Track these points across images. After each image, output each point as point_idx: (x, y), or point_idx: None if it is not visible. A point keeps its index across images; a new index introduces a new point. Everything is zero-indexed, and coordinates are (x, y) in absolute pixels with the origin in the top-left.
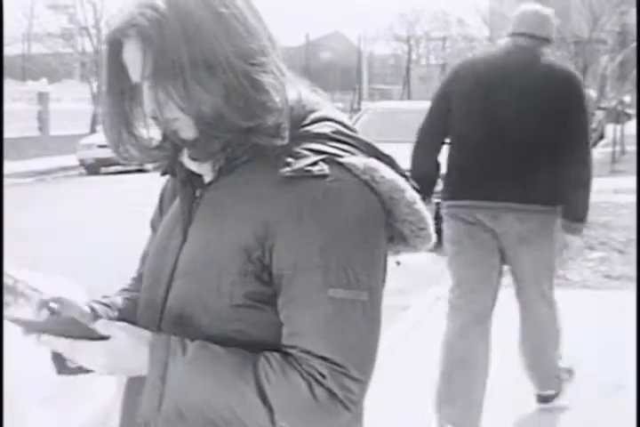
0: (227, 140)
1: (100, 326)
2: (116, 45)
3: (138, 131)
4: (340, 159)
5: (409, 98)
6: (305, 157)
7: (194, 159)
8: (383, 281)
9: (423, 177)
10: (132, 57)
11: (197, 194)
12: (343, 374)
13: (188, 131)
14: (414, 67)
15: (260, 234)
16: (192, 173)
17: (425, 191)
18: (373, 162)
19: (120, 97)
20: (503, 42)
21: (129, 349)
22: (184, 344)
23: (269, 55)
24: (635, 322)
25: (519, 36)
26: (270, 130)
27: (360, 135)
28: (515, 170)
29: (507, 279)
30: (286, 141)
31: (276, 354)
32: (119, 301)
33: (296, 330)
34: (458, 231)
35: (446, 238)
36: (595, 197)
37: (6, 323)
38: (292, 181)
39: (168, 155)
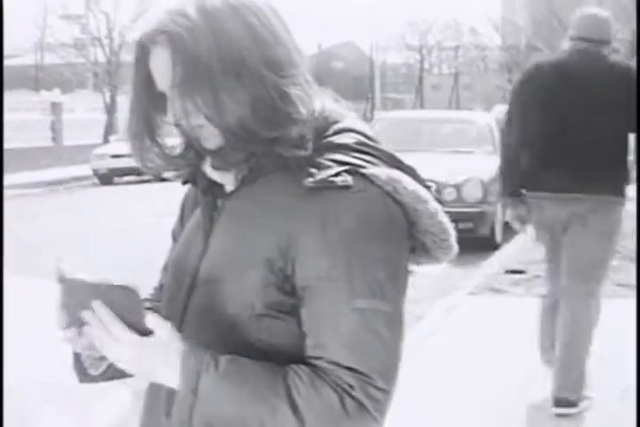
0: (250, 150)
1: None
2: (143, 52)
3: (161, 139)
4: (363, 170)
5: (421, 107)
6: (328, 167)
7: (216, 168)
8: (405, 292)
9: (512, 173)
10: (161, 64)
11: (219, 203)
12: (370, 385)
13: (212, 139)
14: (426, 76)
15: (282, 245)
16: (213, 182)
17: (515, 187)
18: (396, 173)
19: (145, 104)
20: (566, 45)
21: (158, 351)
22: (216, 358)
23: (298, 67)
24: None
25: (580, 40)
26: (294, 141)
27: (382, 146)
28: (584, 163)
29: (521, 287)
30: (309, 152)
31: (303, 367)
32: None
33: (321, 341)
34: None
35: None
36: None
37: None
38: (315, 192)
39: (190, 163)
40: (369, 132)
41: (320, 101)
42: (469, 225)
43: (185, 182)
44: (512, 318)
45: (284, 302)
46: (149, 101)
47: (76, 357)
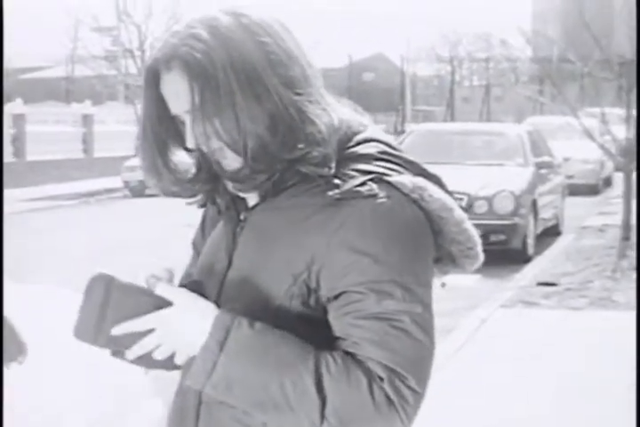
0: (271, 172)
1: (162, 290)
2: (154, 77)
3: (173, 163)
4: (388, 178)
5: (452, 119)
6: (353, 177)
7: (238, 190)
8: (431, 295)
9: None
10: (175, 88)
11: (242, 217)
12: (401, 382)
13: (232, 162)
14: (457, 88)
15: (307, 257)
16: (236, 195)
17: None
18: (421, 181)
19: (157, 128)
20: None
21: (195, 306)
22: (252, 320)
23: (312, 83)
24: None
25: None
26: (316, 160)
27: (406, 155)
28: None
29: (553, 300)
30: (333, 171)
31: (339, 351)
32: None
33: (353, 340)
34: None
35: None
36: None
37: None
38: (341, 203)
39: (204, 186)
40: (391, 142)
41: (340, 113)
42: (501, 237)
43: (202, 206)
44: (544, 330)
45: (309, 316)
46: (161, 126)
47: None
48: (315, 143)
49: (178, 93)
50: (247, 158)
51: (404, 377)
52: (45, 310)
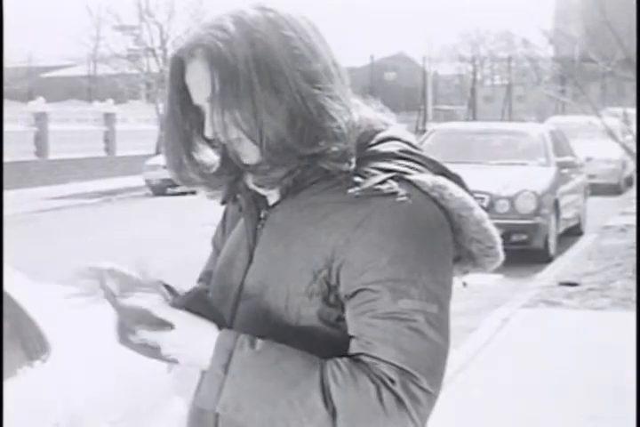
0: (290, 167)
1: (160, 313)
2: (179, 66)
3: (197, 155)
4: (409, 176)
5: (474, 118)
6: (373, 175)
7: (258, 186)
8: (450, 295)
9: None
10: (197, 78)
11: (262, 215)
12: (413, 383)
13: (250, 154)
14: (479, 87)
15: (327, 255)
16: (256, 193)
17: None
18: (442, 179)
19: (181, 120)
20: None
21: (192, 338)
22: (253, 338)
23: (334, 80)
24: None
25: None
26: (336, 155)
27: (426, 154)
28: None
29: (575, 300)
30: (353, 166)
31: (345, 358)
32: None
33: (365, 339)
34: None
35: None
36: None
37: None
38: (362, 201)
39: (226, 181)
40: (412, 141)
41: (361, 113)
42: (523, 237)
43: (223, 202)
44: (565, 330)
45: (329, 313)
46: (185, 117)
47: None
48: (334, 139)
49: (199, 82)
50: (263, 150)
51: (417, 378)
52: (66, 310)
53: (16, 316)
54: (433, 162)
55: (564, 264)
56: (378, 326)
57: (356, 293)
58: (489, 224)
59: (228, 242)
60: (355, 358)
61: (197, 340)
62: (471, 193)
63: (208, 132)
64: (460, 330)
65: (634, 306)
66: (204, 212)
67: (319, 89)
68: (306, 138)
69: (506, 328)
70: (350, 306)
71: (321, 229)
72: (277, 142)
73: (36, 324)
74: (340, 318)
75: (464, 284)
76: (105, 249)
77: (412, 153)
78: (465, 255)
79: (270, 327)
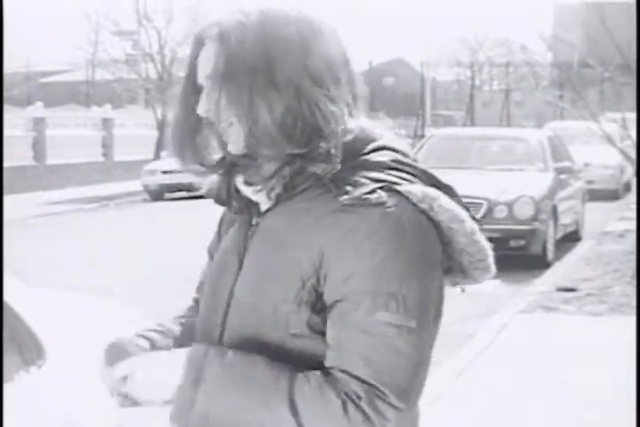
0: (278, 164)
1: (116, 371)
2: (196, 45)
3: (201, 140)
4: (398, 187)
5: (472, 124)
6: (363, 185)
7: (249, 184)
8: (438, 313)
9: None
10: (206, 56)
11: (253, 222)
12: (380, 399)
13: (236, 142)
14: (477, 92)
15: (315, 262)
16: (249, 201)
17: None
18: (432, 191)
19: (189, 97)
20: None
21: (170, 353)
22: (223, 350)
23: (341, 85)
24: None
25: None
26: (321, 157)
27: (419, 164)
28: None
29: (573, 306)
30: (337, 167)
31: (315, 372)
32: (175, 328)
33: (339, 352)
34: None
35: None
36: None
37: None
38: (350, 209)
39: (219, 171)
40: (406, 150)
41: (358, 121)
42: (521, 243)
43: (218, 202)
44: (563, 336)
45: (317, 323)
46: (193, 95)
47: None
48: (322, 140)
49: (206, 60)
50: (249, 136)
51: (385, 394)
52: (63, 315)
53: (12, 321)
54: (425, 172)
55: (562, 270)
56: (351, 339)
57: (335, 302)
58: (480, 237)
59: (220, 248)
60: (326, 372)
61: (167, 367)
62: (463, 204)
63: (201, 109)
64: (458, 336)
65: (632, 312)
66: (201, 217)
67: (320, 90)
68: (295, 135)
69: (503, 334)
70: (329, 316)
71: (309, 236)
72: (265, 134)
73: (31, 329)
74: (325, 328)
75: (462, 290)
76: (103, 254)
77: (403, 163)
78: (455, 267)
79: (260, 334)
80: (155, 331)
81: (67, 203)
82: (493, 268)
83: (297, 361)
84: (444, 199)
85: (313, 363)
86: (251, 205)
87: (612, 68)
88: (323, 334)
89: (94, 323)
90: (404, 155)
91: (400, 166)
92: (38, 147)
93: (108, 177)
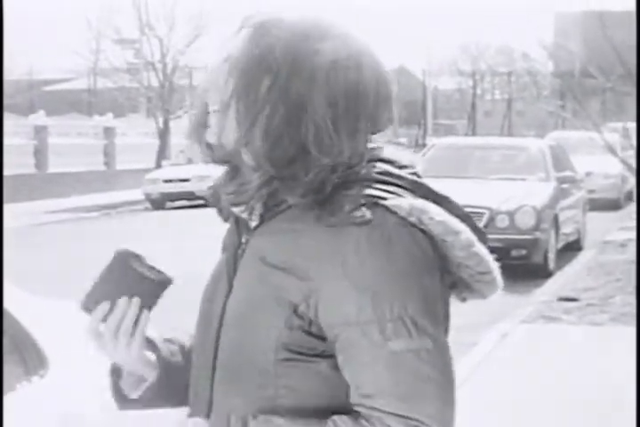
0: (257, 183)
1: None
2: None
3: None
4: (385, 202)
5: (474, 133)
6: (348, 202)
7: (234, 205)
8: (446, 328)
9: None
10: (232, 45)
11: (243, 240)
12: None
13: (211, 133)
14: (479, 101)
15: (303, 289)
16: (239, 217)
17: None
18: (421, 203)
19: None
20: None
21: None
22: (245, 422)
23: (360, 121)
24: None
25: None
26: (299, 188)
27: (409, 176)
28: None
29: (574, 315)
30: (304, 200)
31: (344, 417)
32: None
33: (365, 391)
34: None
35: None
36: None
37: None
38: (334, 230)
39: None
40: (405, 161)
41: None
42: (522, 252)
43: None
44: (565, 346)
45: (314, 346)
46: None
47: (115, 381)
48: (308, 172)
49: (231, 48)
50: (224, 131)
51: (425, 424)
52: (65, 324)
53: (14, 331)
54: (417, 184)
55: (564, 279)
56: (371, 375)
57: (340, 335)
58: (479, 249)
59: (215, 267)
60: (356, 414)
61: None
62: (465, 214)
63: (195, 94)
64: (459, 345)
65: (633, 321)
66: (203, 226)
67: (333, 119)
68: (282, 162)
69: (505, 344)
70: (337, 351)
71: (294, 260)
72: (253, 153)
73: (33, 339)
74: (326, 351)
75: (463, 298)
76: (104, 263)
77: (392, 175)
78: (458, 281)
79: (250, 361)
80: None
81: (68, 211)
82: (499, 281)
83: (289, 386)
84: (434, 211)
85: (307, 387)
86: (241, 222)
87: (613, 77)
88: (319, 356)
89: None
90: (401, 166)
91: (388, 179)
92: (40, 155)
93: (110, 186)
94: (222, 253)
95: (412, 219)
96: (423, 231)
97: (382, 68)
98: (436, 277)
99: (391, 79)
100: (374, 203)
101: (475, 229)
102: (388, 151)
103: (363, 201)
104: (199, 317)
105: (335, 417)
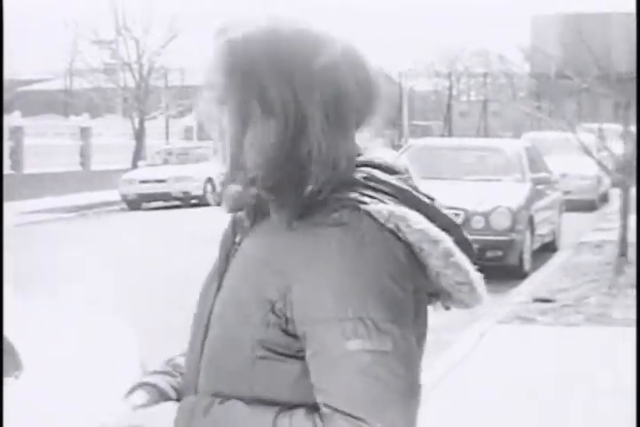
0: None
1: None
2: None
3: None
4: (365, 207)
5: (450, 134)
6: (329, 204)
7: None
8: (421, 334)
9: None
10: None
11: (237, 239)
12: None
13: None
14: (455, 103)
15: (280, 287)
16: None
17: None
18: (401, 210)
19: None
20: None
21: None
22: (209, 405)
23: (349, 128)
24: None
25: None
26: (280, 203)
27: (396, 182)
28: None
29: (549, 316)
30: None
31: (300, 410)
32: (182, 362)
33: (320, 386)
34: None
35: None
36: None
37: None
38: (311, 231)
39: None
40: (395, 166)
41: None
42: (498, 253)
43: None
44: (540, 346)
45: (289, 345)
46: None
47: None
48: (295, 185)
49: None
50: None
51: (372, 425)
52: (42, 325)
53: None
54: (401, 190)
55: (539, 280)
56: (328, 372)
57: (307, 331)
58: (458, 259)
59: (211, 267)
60: (312, 409)
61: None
62: (449, 224)
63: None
64: (436, 345)
65: (609, 322)
66: (180, 226)
67: (324, 128)
68: (266, 170)
69: (480, 345)
70: (305, 344)
71: (274, 260)
72: (235, 153)
73: (8, 340)
74: (300, 351)
75: (447, 307)
76: (81, 264)
77: (378, 180)
78: (440, 291)
79: (230, 358)
80: (159, 373)
81: (44, 212)
82: (481, 292)
83: (265, 384)
84: (414, 219)
85: (283, 386)
86: (236, 221)
87: (589, 79)
88: (294, 357)
89: (71, 333)
90: (391, 171)
91: (373, 184)
92: (16, 156)
93: (86, 186)
94: (219, 251)
95: (390, 225)
96: (399, 238)
97: (369, 70)
98: (406, 283)
99: (379, 80)
100: (355, 207)
101: (462, 240)
102: (381, 156)
103: (344, 204)
104: (194, 315)
105: (295, 410)
